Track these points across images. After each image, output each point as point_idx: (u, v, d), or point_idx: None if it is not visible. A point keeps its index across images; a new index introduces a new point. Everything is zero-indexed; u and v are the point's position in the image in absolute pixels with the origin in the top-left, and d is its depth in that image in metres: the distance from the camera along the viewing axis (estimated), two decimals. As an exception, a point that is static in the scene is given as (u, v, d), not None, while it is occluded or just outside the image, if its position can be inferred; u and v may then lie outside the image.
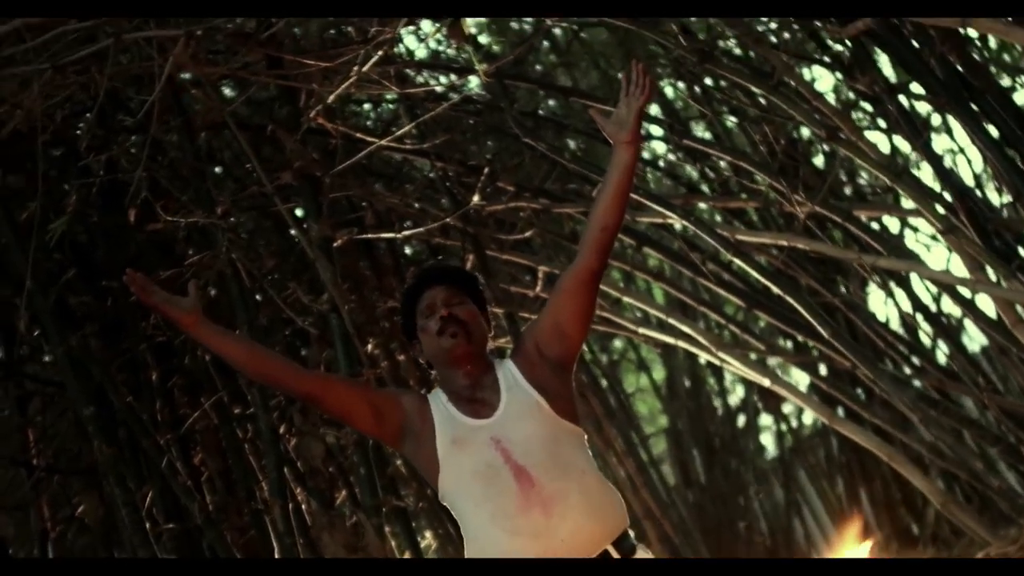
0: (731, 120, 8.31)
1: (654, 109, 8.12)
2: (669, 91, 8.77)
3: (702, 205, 8.46)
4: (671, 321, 7.17)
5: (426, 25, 5.96)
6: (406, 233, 6.41)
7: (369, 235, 6.27)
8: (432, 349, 3.05)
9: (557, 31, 8.40)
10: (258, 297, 6.22)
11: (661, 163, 9.61)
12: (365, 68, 5.08)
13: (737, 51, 6.94)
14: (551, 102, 8.61)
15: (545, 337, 3.04)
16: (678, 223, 6.65)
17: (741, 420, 12.09)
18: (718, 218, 8.63)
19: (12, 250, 5.29)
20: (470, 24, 5.76)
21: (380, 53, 5.02)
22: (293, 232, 6.16)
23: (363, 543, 5.46)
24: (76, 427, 5.99)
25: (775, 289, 6.04)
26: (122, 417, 5.62)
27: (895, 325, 8.22)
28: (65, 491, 6.35)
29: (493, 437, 2.92)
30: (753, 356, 7.26)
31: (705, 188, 8.46)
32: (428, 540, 8.10)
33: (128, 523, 5.30)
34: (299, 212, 6.12)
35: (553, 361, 3.03)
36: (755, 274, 6.23)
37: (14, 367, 5.95)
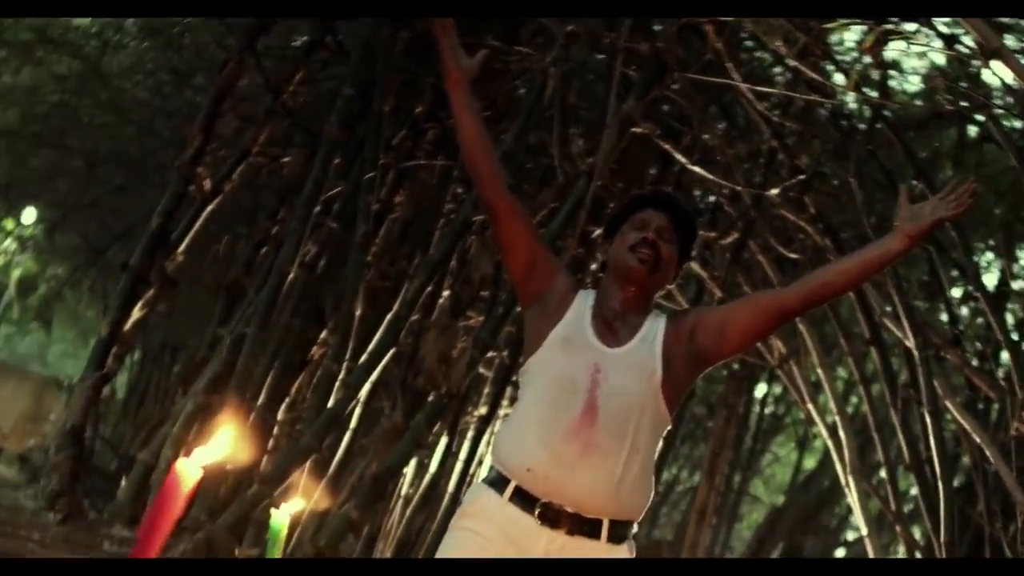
0: None
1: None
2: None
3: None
4: None
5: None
6: (694, 167, 6.35)
7: (662, 144, 6.26)
8: (617, 257, 3.04)
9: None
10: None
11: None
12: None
13: None
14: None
15: (707, 325, 2.99)
16: None
17: None
18: None
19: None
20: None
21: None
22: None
23: (452, 363, 5.60)
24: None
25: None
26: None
27: None
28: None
29: (597, 364, 2.91)
30: None
31: None
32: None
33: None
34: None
35: (697, 350, 2.98)
36: None
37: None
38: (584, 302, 3.06)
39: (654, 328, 3.00)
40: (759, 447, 12.92)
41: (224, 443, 1.62)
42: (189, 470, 1.47)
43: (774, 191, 6.44)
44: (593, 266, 6.22)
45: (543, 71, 6.24)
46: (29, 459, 9.45)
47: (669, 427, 3.08)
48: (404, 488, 7.40)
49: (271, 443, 6.43)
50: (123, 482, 6.29)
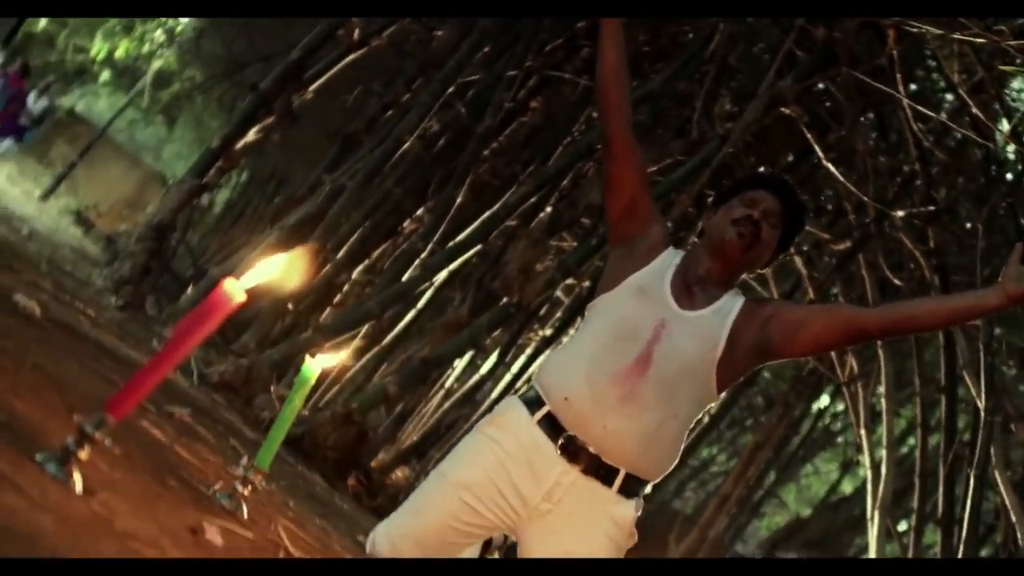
0: None
1: None
2: None
3: None
4: None
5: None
6: (829, 164, 6.20)
7: (806, 132, 6.13)
8: (717, 227, 3.00)
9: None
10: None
11: None
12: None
13: None
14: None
15: (782, 319, 2.94)
16: None
17: None
18: None
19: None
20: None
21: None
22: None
23: (532, 278, 5.61)
24: None
25: None
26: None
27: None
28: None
29: (664, 320, 2.88)
30: None
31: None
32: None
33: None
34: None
35: (765, 340, 2.93)
36: None
37: None
38: (671, 258, 3.03)
39: (730, 304, 2.96)
40: (802, 455, 12.82)
41: (271, 272, 1.63)
42: (233, 290, 1.48)
43: (900, 213, 6.28)
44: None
45: (713, 24, 6.14)
46: (115, 242, 9.70)
47: (713, 403, 3.06)
48: (449, 380, 7.48)
49: (338, 297, 6.52)
50: (190, 290, 6.42)
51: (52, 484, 1.45)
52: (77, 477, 1.52)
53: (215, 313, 1.50)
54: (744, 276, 3.11)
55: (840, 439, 13.08)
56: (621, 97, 3.14)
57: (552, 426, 2.91)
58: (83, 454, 1.55)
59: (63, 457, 1.53)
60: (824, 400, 11.31)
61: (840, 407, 11.36)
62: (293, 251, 1.58)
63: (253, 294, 4.96)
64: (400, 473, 5.86)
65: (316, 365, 2.28)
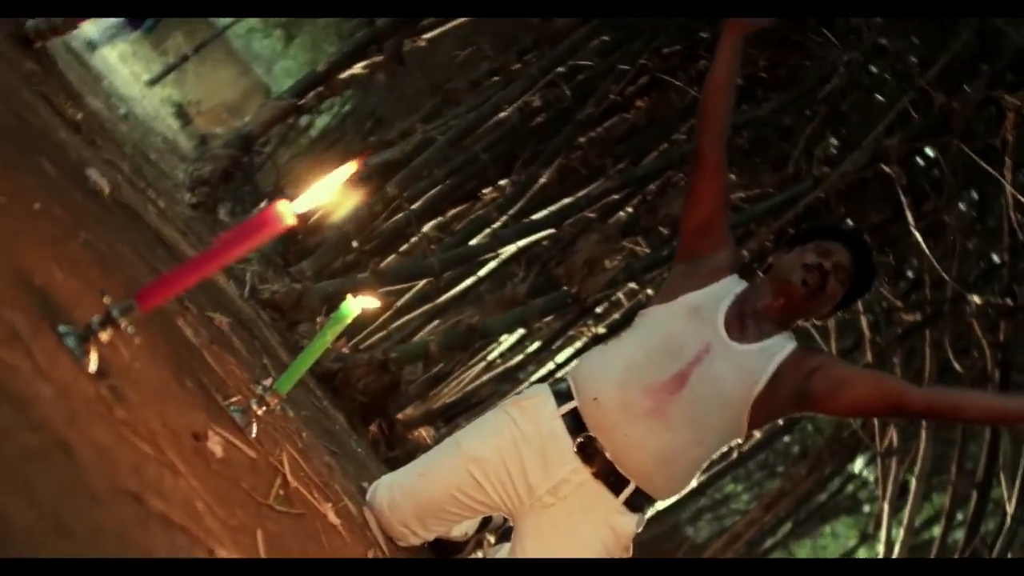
0: None
1: None
2: None
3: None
4: None
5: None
6: (917, 233, 6.08)
7: (901, 195, 6.02)
8: (785, 267, 2.98)
9: None
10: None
11: None
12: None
13: None
14: None
15: (828, 374, 2.90)
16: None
17: None
18: None
19: None
20: None
21: None
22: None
23: (596, 273, 5.59)
24: None
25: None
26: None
27: None
28: None
29: (710, 346, 2.86)
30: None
31: None
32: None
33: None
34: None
35: (805, 390, 2.90)
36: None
37: None
38: (732, 286, 3.01)
39: (780, 346, 2.93)
40: (823, 514, 12.68)
41: (325, 197, 1.62)
42: (285, 212, 1.47)
43: (977, 299, 6.15)
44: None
45: (835, 65, 6.05)
46: (208, 142, 9.82)
47: (740, 440, 3.05)
48: (493, 354, 7.48)
49: (404, 247, 6.54)
50: (263, 204, 6.47)
51: (66, 358, 1.46)
52: (93, 357, 1.53)
53: (261, 231, 1.50)
54: (801, 322, 3.07)
55: (866, 508, 12.92)
56: (724, 114, 3.12)
57: (575, 423, 2.91)
58: (104, 336, 1.56)
59: (84, 334, 1.54)
60: (859, 465, 11.16)
61: (872, 476, 11.21)
62: (345, 170, 1.55)
63: (320, 224, 4.98)
64: (423, 432, 5.88)
65: (356, 305, 2.27)
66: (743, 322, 2.92)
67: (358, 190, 5.67)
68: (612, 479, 2.86)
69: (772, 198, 5.83)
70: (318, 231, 6.23)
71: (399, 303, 6.42)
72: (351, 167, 1.71)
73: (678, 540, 11.16)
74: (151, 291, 1.59)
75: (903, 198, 6.04)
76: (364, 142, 7.02)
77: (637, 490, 2.87)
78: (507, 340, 7.38)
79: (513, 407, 3.03)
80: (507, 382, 7.52)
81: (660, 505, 7.23)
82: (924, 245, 6.11)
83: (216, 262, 1.60)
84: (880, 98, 6.94)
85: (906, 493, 7.13)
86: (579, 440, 2.87)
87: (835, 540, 15.08)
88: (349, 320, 2.29)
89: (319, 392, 4.47)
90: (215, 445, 1.84)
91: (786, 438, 11.86)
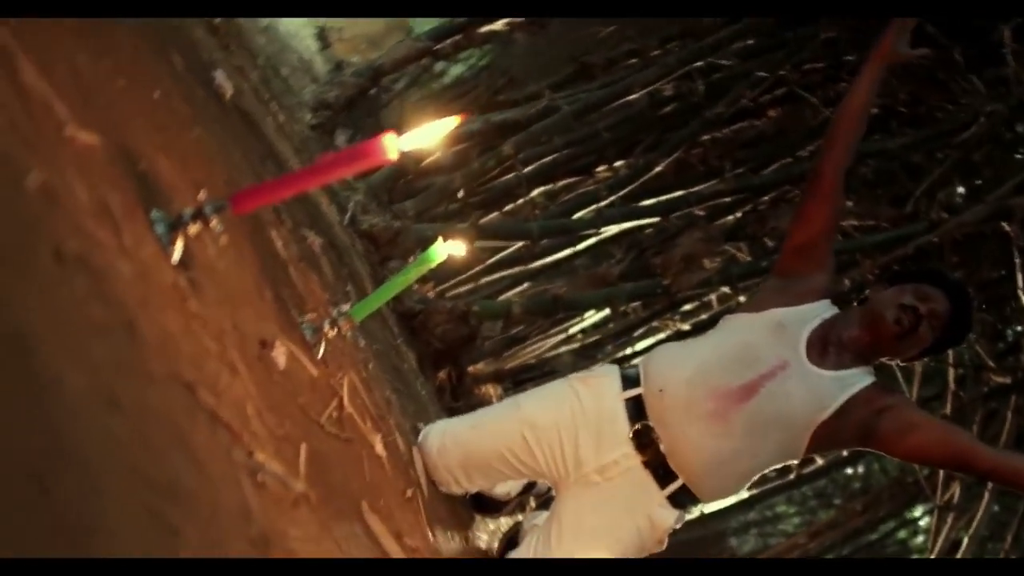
0: None
1: None
2: None
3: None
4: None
5: None
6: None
7: (1016, 255, 5.87)
8: (880, 303, 2.96)
9: None
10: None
11: None
12: None
13: None
14: None
15: (898, 415, 2.87)
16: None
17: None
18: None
19: None
20: None
21: None
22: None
23: (692, 269, 5.56)
24: None
25: None
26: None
27: None
28: None
29: (787, 363, 2.86)
30: None
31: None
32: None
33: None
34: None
35: (872, 427, 2.88)
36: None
37: None
38: (822, 310, 2.99)
39: (857, 379, 2.92)
40: (870, 555, 12.52)
41: (429, 139, 1.64)
42: (390, 145, 1.50)
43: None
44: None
45: (976, 114, 5.91)
46: (342, 69, 9.93)
47: (795, 462, 3.05)
48: (574, 329, 7.49)
49: (509, 207, 6.56)
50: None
51: (152, 243, 1.50)
52: (179, 247, 1.57)
53: (363, 159, 1.53)
54: (884, 360, 3.04)
55: (914, 555, 12.71)
56: (852, 139, 3.09)
57: (637, 409, 2.93)
58: (193, 229, 1.60)
59: (174, 223, 1.59)
60: (917, 512, 10.98)
61: (926, 524, 11.05)
62: (451, 121, 1.56)
63: (431, 168, 5.02)
64: (491, 389, 5.92)
65: (444, 250, 2.30)
66: (825, 348, 2.91)
67: (465, 143, 5.69)
68: (661, 471, 2.88)
69: (885, 232, 5.73)
70: (428, 175, 6.28)
71: (492, 260, 6.44)
72: (457, 119, 1.73)
73: (719, 548, 11.12)
74: (246, 195, 1.63)
75: (1017, 259, 5.89)
76: (492, 99, 7.01)
77: (683, 487, 2.88)
78: (591, 318, 7.38)
79: (579, 381, 3.05)
80: (583, 358, 7.52)
81: (707, 509, 7.18)
82: (1030, 310, 5.97)
83: (314, 180, 1.64)
84: (1017, 156, 6.77)
85: (955, 551, 7.00)
86: (636, 427, 2.88)
87: (879, 585, 14.88)
88: (435, 263, 2.31)
89: (396, 330, 4.53)
90: (280, 356, 1.88)
91: (848, 470, 11.70)
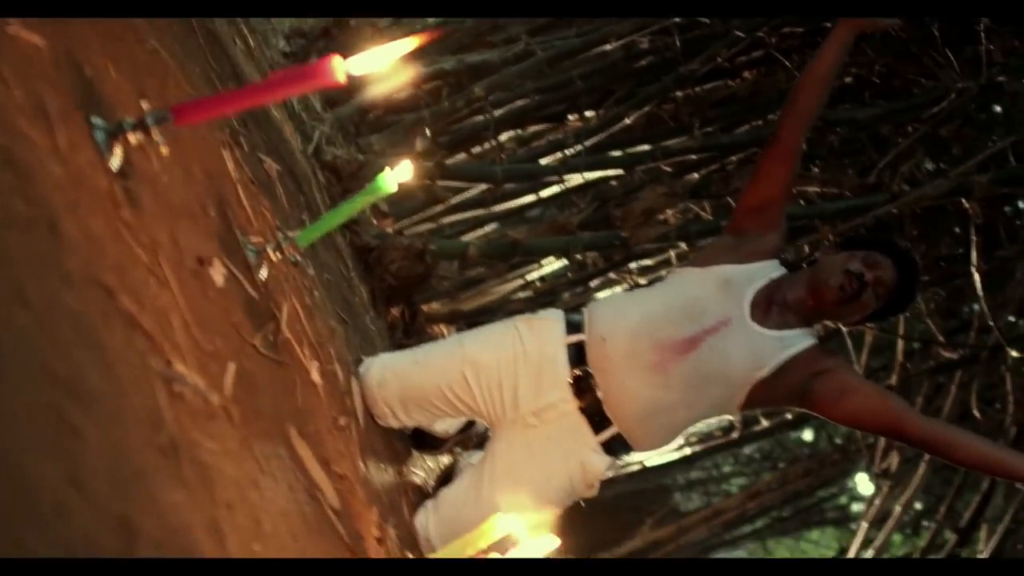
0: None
1: None
2: None
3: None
4: None
5: None
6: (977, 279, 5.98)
7: (974, 235, 5.92)
8: (826, 268, 3.01)
9: None
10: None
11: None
12: None
13: None
14: None
15: (834, 379, 2.92)
16: None
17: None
18: None
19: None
20: None
21: None
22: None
23: (650, 224, 5.57)
24: None
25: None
26: None
27: None
28: None
29: (730, 320, 2.90)
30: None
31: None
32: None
33: None
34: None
35: (808, 388, 2.93)
36: None
37: None
38: (769, 270, 3.03)
39: (798, 340, 2.96)
40: (809, 519, 12.72)
41: (381, 63, 1.63)
42: (338, 68, 1.49)
43: (1015, 353, 6.06)
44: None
45: (947, 88, 5.93)
46: None
47: (729, 417, 3.10)
48: (532, 275, 7.48)
49: (476, 149, 6.54)
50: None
51: (89, 148, 1.49)
52: (117, 154, 1.56)
53: (311, 80, 1.52)
54: (828, 324, 3.08)
55: (853, 525, 12.96)
56: (814, 103, 3.11)
57: (578, 355, 2.96)
58: (134, 139, 1.59)
59: (114, 131, 1.57)
60: (861, 479, 11.15)
61: (867, 492, 11.23)
62: (406, 44, 1.53)
63: (400, 105, 4.97)
64: (443, 328, 5.92)
65: (392, 179, 2.29)
66: (769, 307, 2.95)
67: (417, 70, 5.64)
68: (596, 418, 2.91)
69: (845, 200, 5.76)
70: (399, 111, 6.24)
71: (455, 200, 6.42)
72: (413, 41, 1.72)
73: (664, 504, 11.26)
74: (190, 108, 1.62)
75: (974, 236, 5.94)
76: (477, 40, 6.93)
77: (617, 435, 2.92)
78: (549, 266, 7.38)
79: (523, 323, 3.08)
80: (538, 305, 7.52)
81: (648, 463, 7.23)
82: (980, 289, 6.02)
83: (260, 97, 1.64)
84: (985, 135, 6.81)
85: (886, 519, 7.13)
86: (576, 372, 2.92)
87: (816, 548, 15.13)
88: (384, 192, 2.30)
89: (351, 263, 4.52)
90: (217, 274, 1.88)
91: (795, 434, 11.86)
